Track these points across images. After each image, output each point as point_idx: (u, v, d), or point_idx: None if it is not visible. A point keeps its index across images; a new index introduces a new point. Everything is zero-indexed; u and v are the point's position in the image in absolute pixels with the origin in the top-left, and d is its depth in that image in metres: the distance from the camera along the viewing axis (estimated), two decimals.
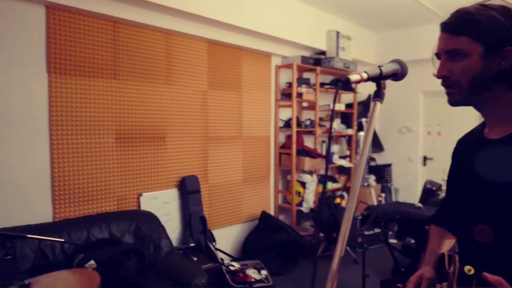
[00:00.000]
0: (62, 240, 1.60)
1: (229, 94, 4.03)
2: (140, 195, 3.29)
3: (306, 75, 4.83)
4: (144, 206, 3.30)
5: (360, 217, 3.44)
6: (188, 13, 3.27)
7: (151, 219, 3.04)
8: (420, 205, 3.39)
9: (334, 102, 0.77)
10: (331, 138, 4.62)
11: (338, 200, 4.45)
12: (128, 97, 3.19)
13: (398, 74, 0.91)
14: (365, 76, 0.83)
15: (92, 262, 2.43)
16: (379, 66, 0.87)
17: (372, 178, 5.15)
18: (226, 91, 4.00)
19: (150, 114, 3.35)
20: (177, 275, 2.63)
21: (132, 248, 2.65)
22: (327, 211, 4.01)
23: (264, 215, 4.17)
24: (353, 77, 0.82)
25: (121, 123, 3.15)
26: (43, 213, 2.76)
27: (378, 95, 0.86)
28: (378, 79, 0.86)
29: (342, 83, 0.81)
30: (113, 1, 2.92)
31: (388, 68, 0.88)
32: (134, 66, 3.22)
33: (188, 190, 3.58)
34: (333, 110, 0.81)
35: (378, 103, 0.85)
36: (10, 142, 2.59)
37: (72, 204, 2.89)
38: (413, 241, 3.04)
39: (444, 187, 4.15)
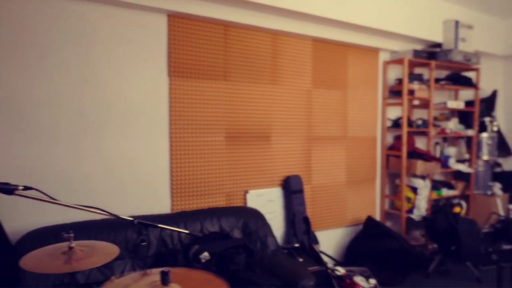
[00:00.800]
0: (187, 231, 1.70)
1: (333, 93, 3.91)
2: (246, 192, 3.38)
3: (417, 70, 4.44)
4: (250, 203, 3.38)
5: (490, 230, 3.01)
6: (293, 12, 3.26)
7: (257, 216, 3.09)
8: None
9: None
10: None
11: (457, 209, 3.99)
12: (237, 97, 3.30)
13: None
14: None
15: (206, 253, 2.56)
16: None
17: (497, 186, 4.49)
18: (330, 89, 3.88)
19: (256, 114, 3.42)
20: (284, 274, 2.62)
21: (241, 243, 2.72)
22: (443, 221, 3.61)
23: (370, 220, 3.93)
24: None
25: (230, 123, 3.28)
26: (163, 205, 3.01)
27: None
28: None
29: None
30: (225, 6, 3.05)
31: None
32: (243, 67, 3.32)
33: (292, 189, 3.57)
34: None
35: None
36: (139, 139, 2.88)
37: (187, 197, 3.09)
38: None
39: None
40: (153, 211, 2.96)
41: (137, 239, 1.56)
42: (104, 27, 2.72)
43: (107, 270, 2.48)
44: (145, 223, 1.59)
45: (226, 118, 3.25)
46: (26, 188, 1.40)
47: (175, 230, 1.64)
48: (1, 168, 2.45)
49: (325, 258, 3.47)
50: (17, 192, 1.35)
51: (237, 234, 2.94)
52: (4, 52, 2.41)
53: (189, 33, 3.03)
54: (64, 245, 1.56)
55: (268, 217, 3.33)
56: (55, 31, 2.56)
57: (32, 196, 1.39)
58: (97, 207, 1.54)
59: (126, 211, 2.84)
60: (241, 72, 3.31)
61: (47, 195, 1.43)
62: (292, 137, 3.65)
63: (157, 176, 2.98)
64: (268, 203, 3.50)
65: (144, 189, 2.92)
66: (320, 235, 3.78)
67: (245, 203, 3.38)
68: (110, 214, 1.54)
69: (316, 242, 3.57)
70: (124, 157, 2.84)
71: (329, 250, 3.92)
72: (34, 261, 1.50)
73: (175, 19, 2.96)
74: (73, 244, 1.55)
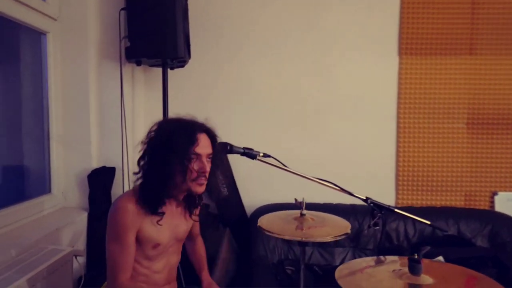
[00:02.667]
0: (429, 222, 1.40)
1: None
2: (494, 193, 2.68)
3: None
4: (499, 208, 2.66)
5: None
6: None
7: None
8: None
9: None
10: None
11: None
12: (485, 75, 2.66)
13: None
14: None
15: (440, 258, 2.15)
16: None
17: None
18: None
19: None
20: None
21: (490, 255, 2.15)
22: None
23: None
24: None
25: (475, 106, 2.67)
26: (387, 196, 2.73)
27: None
28: None
29: None
30: None
31: None
32: (496, 37, 2.64)
33: None
34: None
35: None
36: (364, 124, 2.72)
37: (415, 192, 2.71)
38: None
39: None
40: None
41: (370, 221, 1.38)
42: (332, 10, 2.68)
43: (328, 255, 2.44)
44: (379, 204, 1.40)
45: (470, 100, 2.67)
46: (265, 155, 1.45)
47: (416, 219, 1.37)
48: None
49: None
50: (258, 158, 1.41)
51: (481, 242, 2.36)
52: (238, 48, 2.71)
53: (425, 4, 2.63)
54: (296, 212, 1.56)
55: None
56: (284, 21, 2.69)
57: (269, 162, 1.43)
58: (329, 180, 1.45)
59: (347, 198, 2.73)
60: (493, 42, 2.64)
61: (281, 162, 1.44)
62: None
63: (382, 164, 2.74)
64: None
65: (367, 176, 2.73)
66: None
67: (491, 206, 2.69)
68: (342, 189, 1.43)
69: None
70: (349, 142, 2.73)
71: None
72: (270, 222, 1.58)
73: None
74: (305, 211, 1.53)
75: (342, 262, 2.39)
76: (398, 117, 2.70)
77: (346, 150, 2.73)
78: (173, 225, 1.41)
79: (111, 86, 2.46)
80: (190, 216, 1.47)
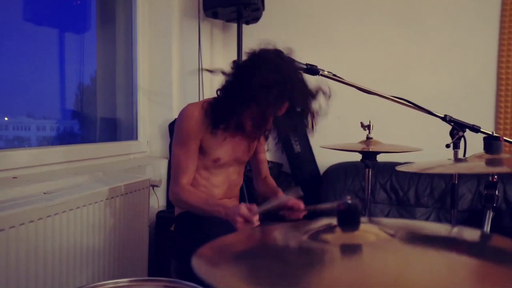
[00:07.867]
0: None
1: None
2: None
3: None
4: None
5: None
6: None
7: None
8: None
9: None
10: None
11: None
12: None
13: None
14: None
15: None
16: None
17: None
18: None
19: None
20: None
21: None
22: None
23: None
24: None
25: None
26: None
27: None
28: None
29: None
30: None
31: None
32: None
33: None
34: None
35: None
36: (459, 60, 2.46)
37: None
38: None
39: None
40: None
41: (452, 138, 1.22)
42: None
43: (408, 215, 2.24)
44: (461, 122, 1.22)
45: None
46: (331, 73, 1.37)
47: None
48: None
49: None
50: (321, 73, 1.34)
51: None
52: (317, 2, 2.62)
53: None
54: (362, 138, 1.47)
55: None
56: None
57: (333, 77, 1.35)
58: (405, 98, 1.31)
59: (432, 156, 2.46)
60: None
61: (343, 79, 1.35)
62: None
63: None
64: None
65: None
66: None
67: None
68: (419, 107, 1.28)
69: None
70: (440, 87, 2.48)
71: None
72: (332, 145, 1.51)
73: None
74: (372, 135, 1.42)
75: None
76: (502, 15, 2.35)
77: (436, 94, 2.46)
78: (234, 143, 1.41)
79: (191, 43, 2.59)
80: (253, 138, 1.43)
